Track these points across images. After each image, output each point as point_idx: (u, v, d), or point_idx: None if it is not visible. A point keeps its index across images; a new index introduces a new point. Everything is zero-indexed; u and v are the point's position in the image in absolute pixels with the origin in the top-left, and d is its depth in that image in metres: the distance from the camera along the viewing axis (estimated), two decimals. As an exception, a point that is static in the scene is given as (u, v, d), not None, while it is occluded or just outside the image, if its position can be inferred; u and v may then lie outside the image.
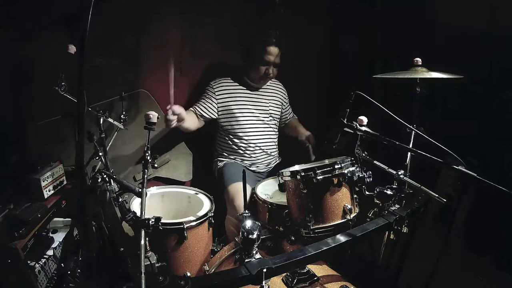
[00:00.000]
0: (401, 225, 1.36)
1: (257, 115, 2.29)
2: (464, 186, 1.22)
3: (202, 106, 2.18)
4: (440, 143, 1.26)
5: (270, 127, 2.36)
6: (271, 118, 2.35)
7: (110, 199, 1.27)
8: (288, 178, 1.52)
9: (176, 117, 1.76)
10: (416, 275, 1.59)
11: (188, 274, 1.01)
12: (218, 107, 2.21)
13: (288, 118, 2.54)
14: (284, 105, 2.48)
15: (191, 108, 2.17)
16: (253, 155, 2.30)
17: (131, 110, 2.01)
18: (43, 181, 1.55)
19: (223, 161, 2.31)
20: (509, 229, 2.03)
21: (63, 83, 1.44)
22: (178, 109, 1.75)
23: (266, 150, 2.34)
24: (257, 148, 2.30)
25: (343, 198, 1.48)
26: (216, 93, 2.21)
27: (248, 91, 2.29)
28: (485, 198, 1.79)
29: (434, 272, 1.35)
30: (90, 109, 1.56)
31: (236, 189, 2.02)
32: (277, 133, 2.44)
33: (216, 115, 2.22)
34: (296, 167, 1.62)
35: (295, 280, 1.33)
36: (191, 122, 2.07)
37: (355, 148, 1.55)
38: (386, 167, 1.51)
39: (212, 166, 2.40)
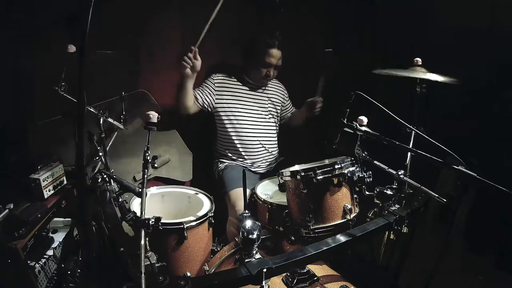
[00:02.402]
0: (401, 225, 1.36)
1: (256, 113, 2.29)
2: (464, 186, 1.22)
3: (200, 92, 2.18)
4: (440, 143, 1.26)
5: (270, 125, 2.37)
6: (270, 115, 2.36)
7: (110, 199, 1.27)
8: (288, 178, 1.52)
9: (191, 63, 1.85)
10: (416, 275, 1.59)
11: (188, 274, 1.01)
12: (215, 99, 2.22)
13: (290, 114, 2.55)
14: (285, 103, 2.49)
15: None
16: (253, 153, 2.30)
17: (131, 110, 2.01)
18: (43, 181, 1.55)
19: (224, 163, 2.31)
20: (509, 229, 2.03)
21: (63, 83, 1.44)
22: (198, 57, 1.85)
23: (267, 147, 2.34)
24: (258, 144, 2.30)
25: (343, 198, 1.48)
26: (216, 85, 2.22)
27: (248, 90, 2.29)
28: (485, 198, 1.79)
29: (434, 272, 1.35)
30: (90, 109, 1.56)
31: (237, 195, 2.03)
32: (277, 131, 2.45)
33: (212, 106, 2.22)
34: (296, 167, 1.61)
35: (295, 280, 1.33)
36: (192, 96, 2.07)
37: (355, 148, 1.55)
38: (386, 167, 1.51)
39: (212, 167, 2.40)
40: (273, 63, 2.16)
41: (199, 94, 2.17)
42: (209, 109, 2.23)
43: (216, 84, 2.22)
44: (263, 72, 2.18)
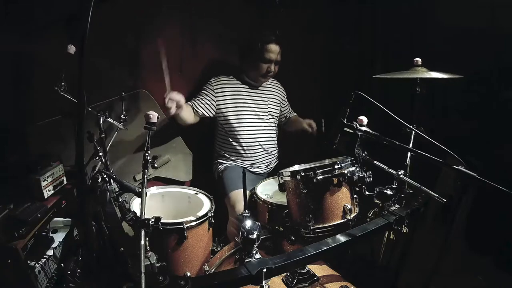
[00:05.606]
0: (401, 225, 1.36)
1: (256, 113, 2.29)
2: (464, 186, 1.22)
3: (200, 102, 2.17)
4: (440, 143, 1.26)
5: (270, 125, 2.36)
6: (270, 116, 2.36)
7: (110, 199, 1.27)
8: (288, 178, 1.52)
9: (175, 104, 1.80)
10: (416, 275, 1.59)
11: (188, 274, 1.01)
12: (216, 105, 2.21)
13: (288, 116, 2.56)
14: (283, 104, 2.49)
15: (189, 102, 2.17)
16: (253, 154, 2.30)
17: (131, 110, 2.01)
18: (43, 181, 1.55)
19: (223, 163, 2.31)
20: (509, 229, 2.03)
21: (63, 83, 1.44)
22: (176, 96, 1.79)
23: (266, 149, 2.34)
24: (258, 145, 2.30)
25: (343, 198, 1.48)
26: (216, 91, 2.21)
27: (247, 90, 2.29)
28: (485, 198, 1.78)
29: (434, 272, 1.35)
30: (90, 109, 1.56)
31: (237, 196, 2.02)
32: (277, 132, 2.45)
33: (213, 114, 2.22)
34: (296, 167, 1.61)
35: (295, 280, 1.33)
36: (188, 114, 2.08)
37: (355, 148, 1.55)
38: (386, 167, 1.51)
39: (212, 167, 2.40)
40: (273, 58, 2.16)
41: (199, 105, 2.16)
42: (211, 115, 2.23)
43: (215, 90, 2.21)
44: (264, 68, 2.17)
